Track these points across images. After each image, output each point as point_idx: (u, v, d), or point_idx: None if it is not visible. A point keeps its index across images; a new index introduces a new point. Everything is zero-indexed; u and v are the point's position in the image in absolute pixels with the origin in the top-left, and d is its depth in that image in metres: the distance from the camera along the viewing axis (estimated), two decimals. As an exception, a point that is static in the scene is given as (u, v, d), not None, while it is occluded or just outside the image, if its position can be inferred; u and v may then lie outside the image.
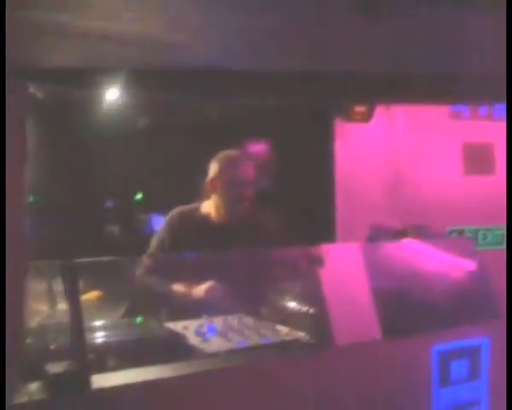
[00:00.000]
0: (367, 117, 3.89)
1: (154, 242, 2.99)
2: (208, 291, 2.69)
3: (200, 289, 2.71)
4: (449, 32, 1.84)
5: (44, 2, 1.34)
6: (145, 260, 2.93)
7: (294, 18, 1.59)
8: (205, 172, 3.09)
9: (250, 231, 2.87)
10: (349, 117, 3.95)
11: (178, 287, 2.79)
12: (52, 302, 2.45)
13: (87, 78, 1.80)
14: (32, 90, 1.82)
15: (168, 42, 1.62)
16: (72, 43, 1.56)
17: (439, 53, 2.04)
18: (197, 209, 3.04)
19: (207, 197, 3.05)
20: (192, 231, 2.91)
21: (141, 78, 1.85)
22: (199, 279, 2.74)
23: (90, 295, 2.86)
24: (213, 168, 3.00)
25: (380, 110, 3.93)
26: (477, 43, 1.92)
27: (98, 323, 2.28)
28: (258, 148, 5.02)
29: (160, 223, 5.35)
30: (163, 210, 5.40)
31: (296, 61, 1.99)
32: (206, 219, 2.99)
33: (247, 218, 2.93)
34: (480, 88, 2.39)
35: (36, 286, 2.33)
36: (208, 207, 3.02)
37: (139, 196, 5.30)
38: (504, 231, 4.09)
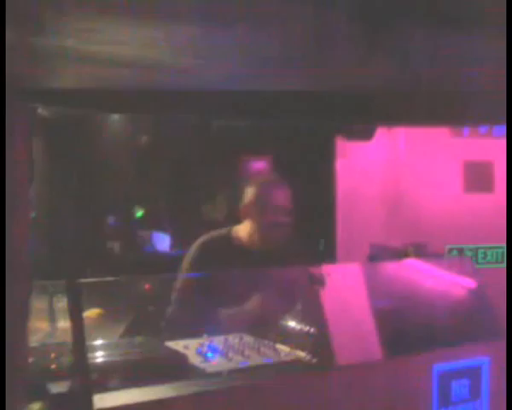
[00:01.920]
0: (368, 135, 3.92)
1: (184, 266, 2.97)
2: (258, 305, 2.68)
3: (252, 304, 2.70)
4: (450, 53, 1.87)
5: (54, 28, 1.36)
6: (177, 283, 2.91)
7: (297, 41, 1.61)
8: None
9: (282, 257, 2.85)
10: (350, 135, 3.98)
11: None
12: (53, 321, 2.45)
13: (94, 99, 1.82)
14: (38, 110, 1.84)
15: (175, 66, 1.64)
16: (80, 66, 1.58)
17: (440, 73, 2.06)
18: (228, 234, 3.02)
19: (239, 222, 3.04)
20: (223, 256, 2.86)
21: (146, 100, 1.88)
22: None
23: (90, 313, 2.86)
24: (249, 193, 2.99)
25: (381, 128, 3.96)
26: (478, 62, 1.94)
27: (99, 342, 2.28)
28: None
29: (161, 240, 5.38)
30: (164, 228, 5.43)
31: (299, 82, 2.02)
32: (237, 244, 2.97)
33: (280, 244, 2.92)
34: (481, 109, 2.41)
35: (37, 304, 2.33)
36: (241, 231, 3.01)
37: (140, 213, 5.32)
38: (504, 250, 4.10)
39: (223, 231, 3.04)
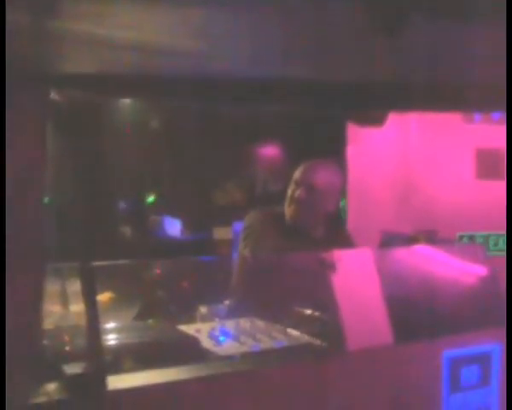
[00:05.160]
0: (379, 122, 3.90)
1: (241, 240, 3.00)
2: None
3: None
4: (459, 42, 1.86)
5: (67, 11, 1.37)
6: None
7: (311, 29, 1.61)
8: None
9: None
10: (361, 122, 3.96)
11: None
12: (66, 304, 2.48)
13: (106, 84, 1.83)
14: (52, 95, 1.85)
15: (189, 50, 1.64)
16: (94, 50, 1.59)
17: (451, 62, 2.06)
18: (277, 213, 3.07)
19: (288, 203, 3.09)
20: (275, 231, 2.91)
21: (158, 84, 1.88)
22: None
23: (103, 297, 2.89)
24: (295, 175, 3.06)
25: (392, 115, 3.94)
26: (488, 51, 1.94)
27: (111, 325, 2.30)
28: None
29: (172, 225, 5.38)
30: (175, 212, 5.43)
31: (312, 69, 2.01)
32: (283, 224, 3.03)
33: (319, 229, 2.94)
34: (492, 96, 2.40)
35: (51, 288, 2.35)
36: (287, 212, 3.07)
37: (152, 198, 5.33)
38: (516, 238, 4.08)
39: (274, 209, 3.09)
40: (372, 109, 3.28)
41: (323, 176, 3.00)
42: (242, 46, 1.70)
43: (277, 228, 2.95)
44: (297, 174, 3.03)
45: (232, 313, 2.58)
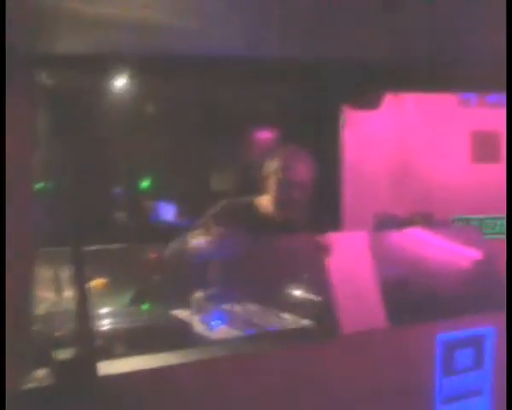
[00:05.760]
0: (375, 104, 3.88)
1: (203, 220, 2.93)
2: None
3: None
4: (455, 19, 1.84)
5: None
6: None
7: (307, 6, 1.58)
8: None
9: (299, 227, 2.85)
10: (357, 104, 3.94)
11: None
12: (58, 289, 2.47)
13: (98, 64, 1.80)
14: (42, 76, 1.82)
15: (181, 28, 1.61)
16: (84, 29, 1.56)
17: (446, 40, 2.04)
18: (251, 202, 3.02)
19: (261, 192, 3.04)
20: (244, 221, 2.86)
21: (151, 64, 1.85)
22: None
23: (96, 282, 2.87)
24: (271, 165, 2.98)
25: (388, 97, 3.92)
26: (483, 28, 1.91)
27: (104, 310, 2.29)
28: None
29: (166, 210, 5.37)
30: (170, 198, 5.42)
31: (307, 49, 1.99)
32: (258, 213, 2.99)
33: (297, 216, 2.92)
34: (488, 75, 2.38)
35: (42, 273, 2.34)
36: (263, 201, 3.02)
37: (146, 183, 5.30)
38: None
39: (245, 198, 3.05)
40: (369, 91, 3.24)
41: (309, 169, 2.96)
42: (236, 24, 1.67)
43: (248, 218, 2.91)
44: (283, 171, 2.93)
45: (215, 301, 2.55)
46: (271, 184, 2.95)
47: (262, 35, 1.80)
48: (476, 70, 2.26)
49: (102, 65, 1.82)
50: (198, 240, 2.71)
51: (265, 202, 3.00)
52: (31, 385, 1.61)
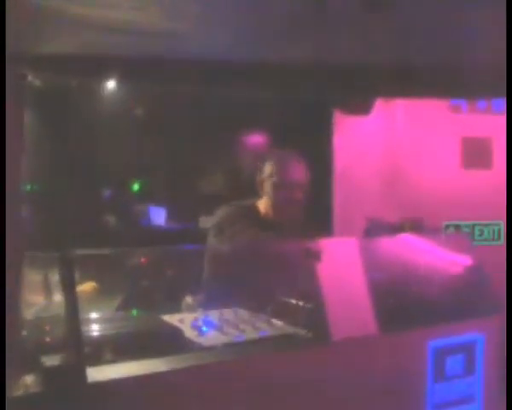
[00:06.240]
0: (366, 110, 3.89)
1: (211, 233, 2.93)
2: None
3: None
4: (449, 25, 1.84)
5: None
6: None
7: (296, 10, 1.57)
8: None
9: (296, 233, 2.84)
10: (348, 110, 3.95)
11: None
12: (48, 294, 2.44)
13: (86, 66, 1.79)
14: (30, 78, 1.80)
15: (167, 31, 1.60)
16: (72, 30, 1.55)
17: (439, 46, 2.04)
18: (250, 206, 3.01)
19: (259, 196, 3.03)
20: (246, 225, 2.85)
21: (140, 66, 1.84)
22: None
23: (86, 287, 2.85)
24: (266, 169, 2.97)
25: (379, 103, 3.92)
26: (477, 35, 1.92)
27: (94, 315, 2.27)
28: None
29: (157, 214, 5.36)
30: (160, 201, 5.40)
31: (296, 53, 1.98)
32: (258, 216, 2.97)
33: (295, 221, 2.92)
34: (480, 81, 2.38)
35: (31, 277, 2.32)
36: (262, 204, 3.01)
37: (136, 186, 5.29)
38: (500, 227, 4.09)
39: (246, 202, 3.05)
40: (361, 95, 3.24)
41: (303, 170, 2.97)
42: (223, 27, 1.66)
43: (253, 221, 2.91)
44: (278, 173, 2.91)
45: (205, 305, 2.54)
46: (267, 187, 2.96)
47: (254, 39, 1.79)
48: (468, 76, 2.26)
49: (90, 66, 1.80)
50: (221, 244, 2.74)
51: (263, 205, 3.00)
52: (18, 393, 1.59)
